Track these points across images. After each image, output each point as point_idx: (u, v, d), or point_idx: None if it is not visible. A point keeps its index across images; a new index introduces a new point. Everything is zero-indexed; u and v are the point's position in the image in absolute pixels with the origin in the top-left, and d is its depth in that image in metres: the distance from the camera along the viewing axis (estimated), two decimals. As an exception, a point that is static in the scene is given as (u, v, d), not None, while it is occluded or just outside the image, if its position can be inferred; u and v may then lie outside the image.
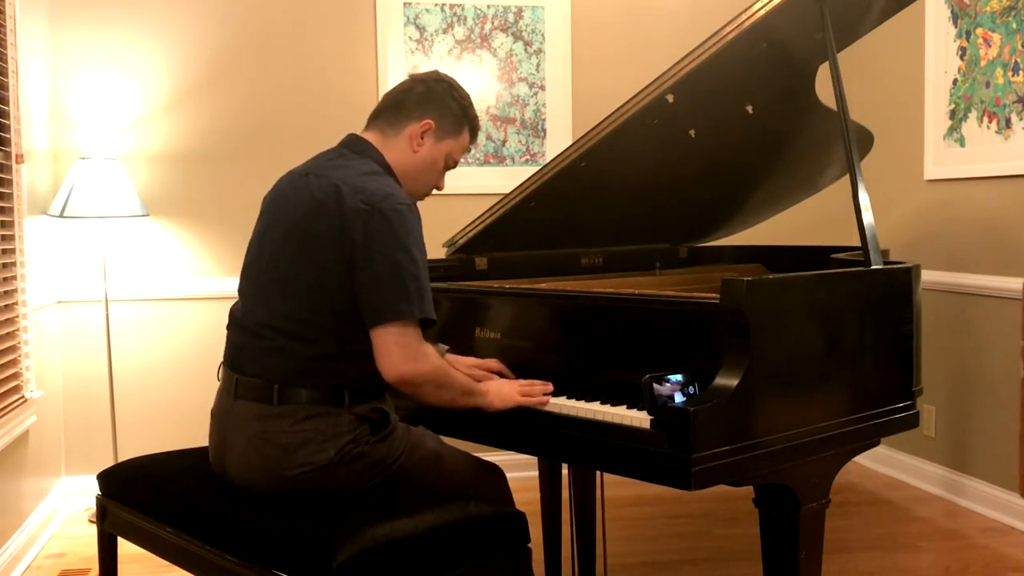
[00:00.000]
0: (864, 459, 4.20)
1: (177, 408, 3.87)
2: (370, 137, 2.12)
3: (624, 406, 1.92)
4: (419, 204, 2.07)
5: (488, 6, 4.12)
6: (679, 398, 1.83)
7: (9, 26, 3.21)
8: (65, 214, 3.51)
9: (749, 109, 2.63)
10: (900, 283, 2.21)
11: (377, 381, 1.95)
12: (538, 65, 4.18)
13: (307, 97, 3.99)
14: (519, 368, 2.24)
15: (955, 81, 3.71)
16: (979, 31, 3.57)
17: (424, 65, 4.04)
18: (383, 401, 2.04)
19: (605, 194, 2.68)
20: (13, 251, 3.24)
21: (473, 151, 4.04)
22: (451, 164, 2.20)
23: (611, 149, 2.43)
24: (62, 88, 3.81)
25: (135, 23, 3.87)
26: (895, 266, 2.23)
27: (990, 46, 3.52)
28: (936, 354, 3.68)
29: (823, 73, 2.48)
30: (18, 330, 3.24)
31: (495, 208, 2.65)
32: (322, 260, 1.94)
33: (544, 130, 4.20)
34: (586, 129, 2.45)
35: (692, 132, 2.61)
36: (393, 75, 3.99)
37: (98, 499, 2.23)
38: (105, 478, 2.24)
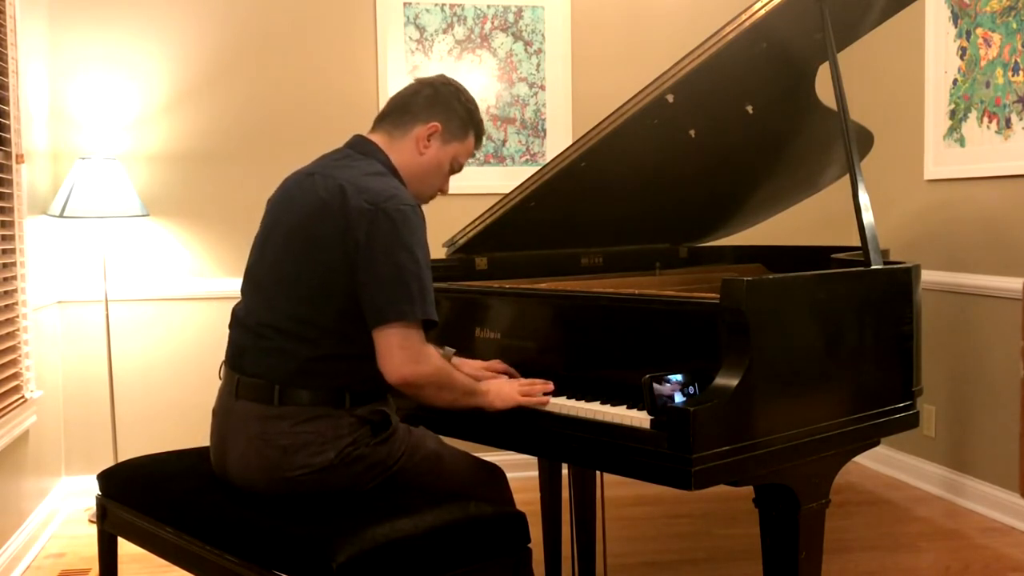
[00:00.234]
0: (864, 459, 4.20)
1: (177, 408, 3.87)
2: (376, 138, 2.12)
3: (624, 406, 1.92)
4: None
5: (488, 6, 4.12)
6: (679, 398, 1.83)
7: (9, 26, 3.21)
8: (65, 214, 3.51)
9: (749, 109, 2.63)
10: (900, 283, 2.21)
11: (378, 383, 1.94)
12: (538, 65, 4.18)
13: (307, 97, 4.00)
14: (519, 368, 2.24)
15: (955, 81, 3.70)
16: (979, 31, 3.57)
17: (424, 65, 4.04)
18: (384, 403, 2.04)
19: (605, 194, 2.68)
20: (13, 251, 3.24)
21: (473, 151, 4.04)
22: (456, 168, 2.21)
23: (611, 149, 2.43)
24: (62, 88, 3.81)
25: (135, 23, 3.87)
26: (895, 266, 2.23)
27: (990, 46, 3.52)
28: (936, 354, 3.68)
29: (823, 73, 2.48)
30: (18, 330, 3.24)
31: (495, 208, 2.64)
32: (326, 260, 1.94)
33: (544, 130, 4.20)
34: (586, 129, 2.45)
35: (692, 132, 2.61)
36: (393, 75, 3.99)
37: (98, 499, 2.23)
38: (105, 478, 2.24)
